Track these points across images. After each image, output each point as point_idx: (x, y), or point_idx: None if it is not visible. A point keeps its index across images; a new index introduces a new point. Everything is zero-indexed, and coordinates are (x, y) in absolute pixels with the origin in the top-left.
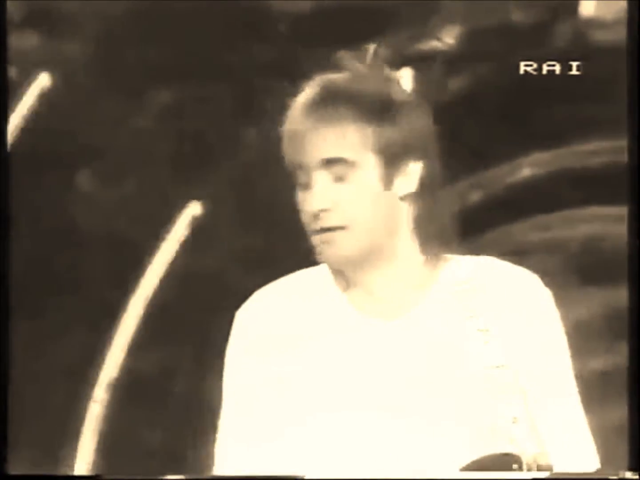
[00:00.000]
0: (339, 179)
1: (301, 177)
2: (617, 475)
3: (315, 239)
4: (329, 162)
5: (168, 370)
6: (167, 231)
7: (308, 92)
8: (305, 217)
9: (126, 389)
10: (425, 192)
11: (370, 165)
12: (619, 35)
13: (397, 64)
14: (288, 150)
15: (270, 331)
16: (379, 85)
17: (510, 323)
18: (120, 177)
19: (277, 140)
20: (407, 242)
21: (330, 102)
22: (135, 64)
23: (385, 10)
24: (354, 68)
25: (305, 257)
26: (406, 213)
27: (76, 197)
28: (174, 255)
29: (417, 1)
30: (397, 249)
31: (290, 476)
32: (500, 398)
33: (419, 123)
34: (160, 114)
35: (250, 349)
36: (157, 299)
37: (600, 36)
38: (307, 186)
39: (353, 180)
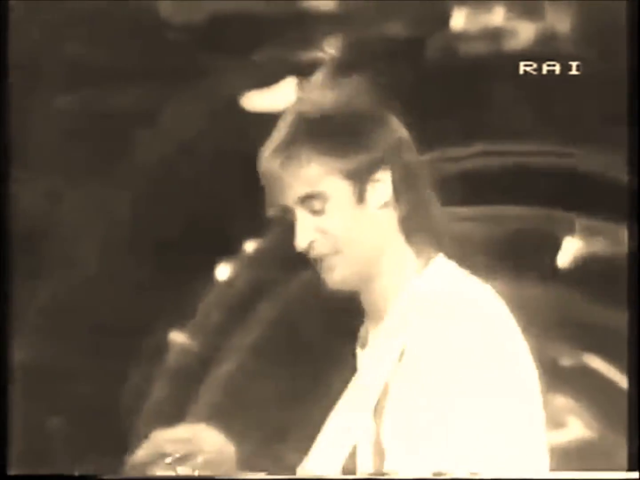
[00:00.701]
0: (317, 212)
1: (288, 217)
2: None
3: (318, 268)
4: (304, 199)
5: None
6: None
7: (277, 132)
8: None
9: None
10: (402, 195)
11: (341, 190)
12: (485, 47)
13: (282, 73)
14: (269, 193)
15: None
16: (337, 110)
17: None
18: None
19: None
20: (402, 250)
21: (293, 142)
22: (34, 68)
23: (267, 21)
24: (312, 97)
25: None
26: (393, 221)
27: None
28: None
29: (299, 12)
30: (392, 260)
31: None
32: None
33: (378, 134)
34: (61, 118)
35: None
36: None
37: (468, 48)
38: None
39: (330, 210)
